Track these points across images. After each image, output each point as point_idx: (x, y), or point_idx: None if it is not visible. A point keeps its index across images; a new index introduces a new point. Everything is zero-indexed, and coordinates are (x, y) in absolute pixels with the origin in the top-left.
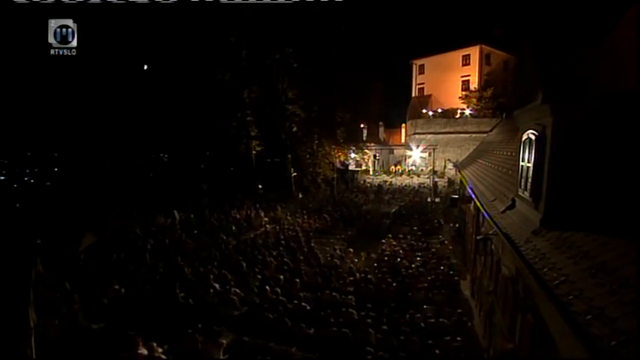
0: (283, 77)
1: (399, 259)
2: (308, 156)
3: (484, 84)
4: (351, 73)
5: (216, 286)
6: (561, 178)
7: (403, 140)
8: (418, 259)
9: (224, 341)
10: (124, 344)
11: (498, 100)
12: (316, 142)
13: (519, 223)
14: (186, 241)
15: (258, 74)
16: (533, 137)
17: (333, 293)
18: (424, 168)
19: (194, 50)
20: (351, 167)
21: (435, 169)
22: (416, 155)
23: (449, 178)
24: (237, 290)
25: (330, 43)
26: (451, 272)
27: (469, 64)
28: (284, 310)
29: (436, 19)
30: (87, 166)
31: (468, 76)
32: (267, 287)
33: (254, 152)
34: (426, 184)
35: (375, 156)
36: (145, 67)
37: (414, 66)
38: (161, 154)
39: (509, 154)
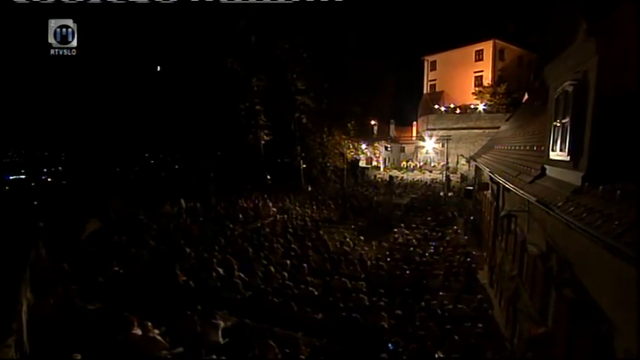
0: (293, 67)
1: (412, 248)
2: (318, 146)
3: (498, 79)
4: (363, 65)
5: (220, 270)
6: (608, 126)
7: (414, 138)
8: (432, 247)
9: (223, 324)
10: (119, 325)
11: (512, 95)
12: (326, 131)
13: (553, 189)
14: (191, 227)
15: (267, 63)
16: (570, 89)
17: (343, 279)
18: (436, 163)
19: (202, 37)
20: (362, 164)
21: (448, 165)
22: (429, 146)
23: (462, 174)
24: (242, 275)
25: (341, 35)
26: (468, 259)
27: (482, 59)
28: (290, 295)
29: (448, 14)
30: (98, 165)
31: (481, 71)
32: (273, 270)
33: (262, 142)
34: (438, 180)
35: (386, 147)
36: (158, 68)
37: (425, 62)
38: (171, 154)
39: (531, 132)
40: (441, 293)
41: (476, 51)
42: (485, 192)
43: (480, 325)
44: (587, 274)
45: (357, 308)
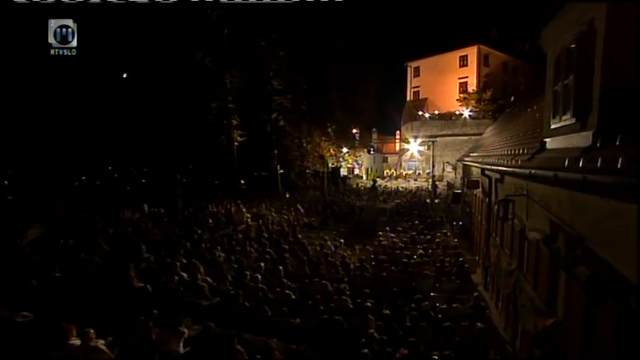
0: (269, 65)
1: (398, 251)
2: (296, 147)
3: (483, 85)
4: (344, 65)
5: (184, 275)
6: (620, 72)
7: (397, 148)
8: (421, 250)
9: (186, 331)
10: (53, 337)
11: (498, 102)
12: (305, 132)
13: (557, 157)
14: (153, 231)
15: (241, 59)
16: (573, 45)
17: (324, 281)
18: (421, 171)
19: (169, 28)
20: (343, 171)
21: (434, 171)
22: (414, 148)
23: (448, 182)
24: (208, 279)
25: (322, 35)
26: (460, 259)
27: (467, 65)
28: (263, 299)
29: (431, 19)
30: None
31: (466, 77)
32: (247, 274)
33: (236, 144)
34: (424, 187)
35: (370, 150)
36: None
37: (408, 68)
38: (135, 163)
39: (522, 120)
40: (432, 294)
41: (460, 56)
42: (475, 191)
43: (480, 325)
44: (606, 244)
45: (341, 311)
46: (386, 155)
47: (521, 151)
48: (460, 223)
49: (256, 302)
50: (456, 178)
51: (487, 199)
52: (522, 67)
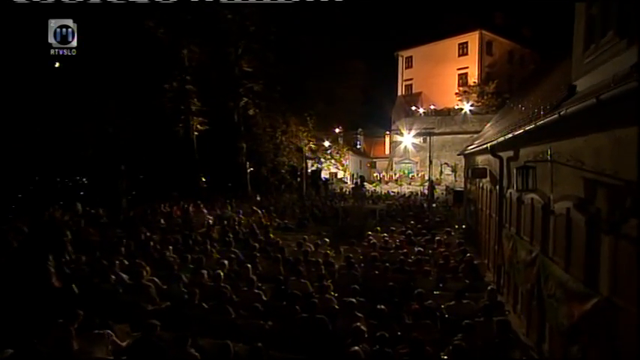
0: (237, 41)
1: (392, 250)
2: (269, 139)
3: (485, 77)
4: (326, 50)
5: (123, 275)
6: None
7: (387, 151)
8: (420, 248)
9: (112, 334)
10: None
11: (503, 95)
12: (280, 120)
13: (594, 91)
14: (87, 230)
15: (202, 32)
16: None
17: (302, 280)
18: (415, 174)
19: None
20: (325, 175)
21: (431, 160)
22: (407, 141)
23: (447, 186)
24: (156, 279)
25: (301, 14)
26: (468, 255)
27: (467, 53)
28: (227, 299)
29: (425, 2)
30: None
31: (466, 68)
32: (203, 272)
33: (196, 133)
34: (418, 192)
35: (355, 144)
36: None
37: (400, 58)
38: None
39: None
40: (436, 292)
41: (459, 44)
42: (481, 182)
43: (500, 318)
44: None
45: (324, 311)
46: (374, 160)
47: (542, 108)
48: (463, 226)
49: (218, 302)
50: (456, 180)
51: (497, 187)
52: (530, 57)
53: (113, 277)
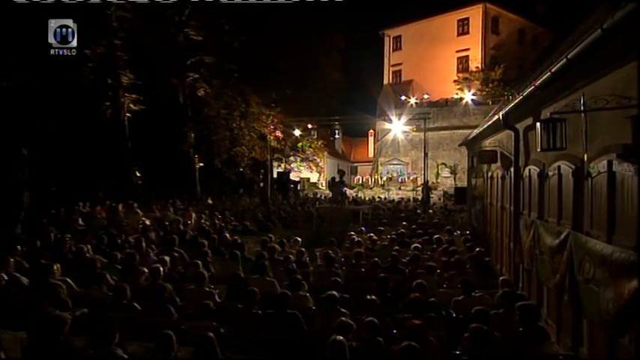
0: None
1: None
2: (224, 122)
3: (491, 61)
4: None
5: (19, 276)
6: None
7: (371, 154)
8: (418, 245)
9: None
10: None
11: (512, 83)
12: (239, 100)
13: None
14: None
15: None
16: None
17: (267, 278)
18: (406, 177)
19: None
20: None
21: (427, 154)
22: (397, 129)
23: (445, 191)
24: (69, 280)
25: None
26: (477, 249)
27: (468, 32)
28: (165, 299)
29: None
30: None
31: (467, 50)
32: (140, 269)
33: (128, 115)
34: (410, 198)
35: (334, 133)
36: None
37: (386, 39)
38: None
39: None
40: (441, 290)
41: (459, 20)
42: (490, 170)
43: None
44: None
45: (297, 308)
46: (355, 164)
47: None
48: (467, 232)
49: (156, 302)
50: (455, 184)
51: (512, 169)
52: (545, 37)
53: (5, 277)
